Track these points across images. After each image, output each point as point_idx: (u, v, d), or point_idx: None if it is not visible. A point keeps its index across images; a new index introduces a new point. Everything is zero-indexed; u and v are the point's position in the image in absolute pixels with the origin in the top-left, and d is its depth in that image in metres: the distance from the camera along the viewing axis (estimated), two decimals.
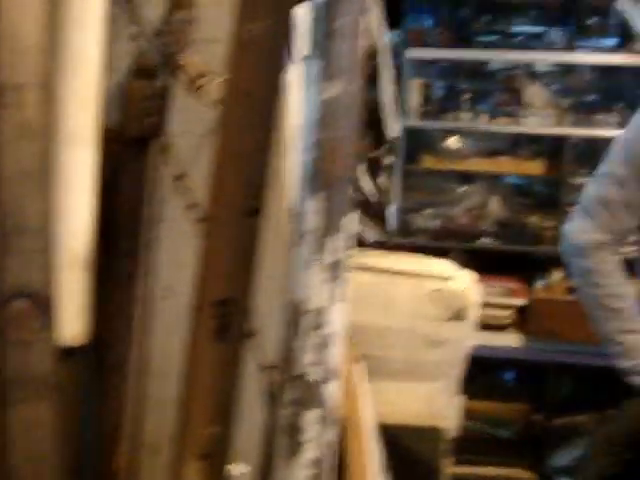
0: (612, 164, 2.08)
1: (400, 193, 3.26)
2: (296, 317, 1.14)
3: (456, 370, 1.96)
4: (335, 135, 1.11)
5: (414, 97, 3.27)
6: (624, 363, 2.07)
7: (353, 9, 1.12)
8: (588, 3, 3.27)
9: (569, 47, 3.26)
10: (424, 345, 1.89)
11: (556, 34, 3.28)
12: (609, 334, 2.08)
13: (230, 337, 1.21)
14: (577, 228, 2.12)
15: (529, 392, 3.30)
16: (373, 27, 1.93)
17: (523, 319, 3.13)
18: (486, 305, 3.08)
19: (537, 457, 3.17)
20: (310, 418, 1.16)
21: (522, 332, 3.11)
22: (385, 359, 1.89)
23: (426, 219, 3.28)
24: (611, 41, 3.29)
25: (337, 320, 1.15)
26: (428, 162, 3.34)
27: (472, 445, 3.16)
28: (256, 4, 1.20)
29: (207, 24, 1.35)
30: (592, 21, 3.28)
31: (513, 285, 3.21)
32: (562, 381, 3.26)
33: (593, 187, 2.12)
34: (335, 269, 1.14)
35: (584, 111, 3.26)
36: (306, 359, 1.14)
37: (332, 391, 1.17)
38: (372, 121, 3.22)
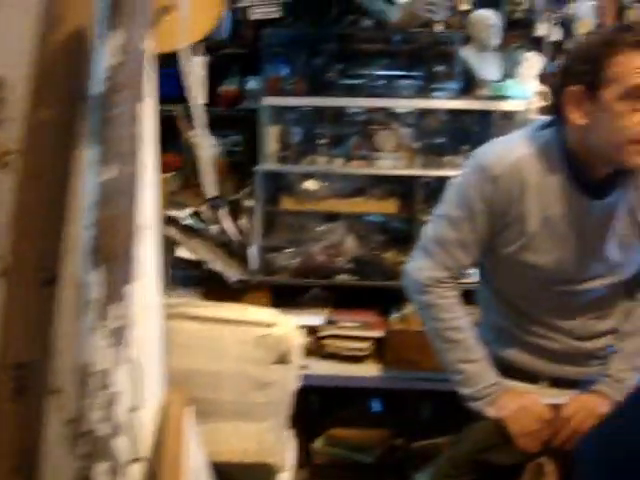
0: (447, 206, 2.24)
1: (261, 233, 3.39)
2: (84, 378, 1.25)
3: (283, 409, 2.08)
4: (113, 213, 1.23)
5: (272, 142, 3.42)
6: (465, 390, 2.21)
7: (130, 98, 1.25)
8: (436, 51, 3.47)
9: (419, 93, 3.45)
10: (252, 388, 2.01)
11: (407, 81, 3.47)
12: (450, 364, 2.23)
13: (29, 397, 1.32)
14: (417, 266, 2.27)
15: (390, 418, 3.44)
16: (192, 90, 2.03)
17: (381, 350, 3.25)
18: (346, 338, 3.25)
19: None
20: (100, 470, 1.27)
21: (381, 362, 3.23)
22: (216, 402, 2.00)
23: (287, 258, 3.39)
24: (457, 87, 3.49)
25: (123, 380, 1.27)
26: (288, 203, 3.47)
27: (336, 471, 3.31)
28: (46, 92, 1.31)
29: (14, 103, 1.44)
30: (440, 68, 3.48)
31: (370, 318, 3.33)
32: (421, 407, 3.41)
33: (431, 228, 2.27)
34: (119, 334, 1.25)
35: (434, 153, 3.46)
36: (94, 416, 1.26)
37: (121, 444, 1.28)
38: (232, 165, 3.37)
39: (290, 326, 2.04)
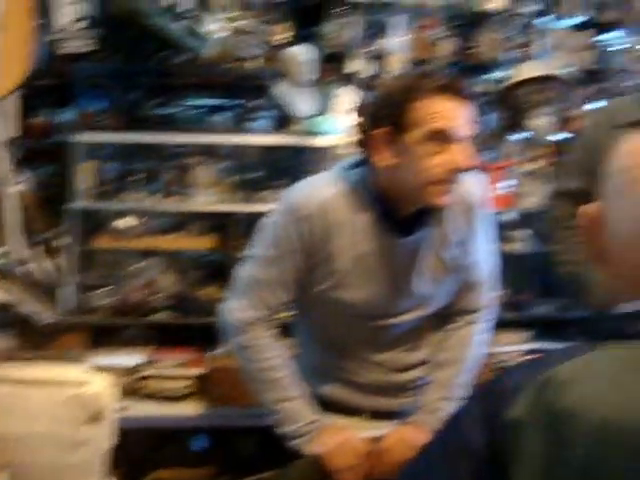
0: (259, 247, 2.24)
1: (76, 273, 3.29)
2: None
3: (99, 467, 2.03)
4: None
5: (87, 179, 3.34)
6: (285, 429, 2.22)
7: None
8: (251, 86, 3.48)
9: (234, 128, 3.46)
10: (66, 448, 1.95)
11: (222, 116, 3.47)
12: (269, 403, 2.23)
13: None
14: (233, 307, 2.26)
15: (215, 456, 3.39)
16: None
17: (203, 388, 3.21)
18: (165, 378, 3.19)
19: None
20: None
21: (203, 400, 3.19)
22: (31, 465, 1.93)
23: (104, 296, 3.32)
24: (272, 122, 3.52)
25: None
26: (104, 241, 3.40)
27: None
28: None
29: None
30: (255, 103, 3.50)
31: (190, 356, 3.29)
32: (246, 443, 3.39)
33: (244, 269, 2.27)
34: None
35: (250, 188, 3.47)
36: None
37: None
38: (45, 199, 3.27)
39: (102, 384, 2.00)
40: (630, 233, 1.07)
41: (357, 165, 2.19)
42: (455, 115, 2.01)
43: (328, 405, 2.30)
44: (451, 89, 2.01)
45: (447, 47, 3.88)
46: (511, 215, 3.73)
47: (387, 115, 2.03)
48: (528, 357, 1.28)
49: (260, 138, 3.47)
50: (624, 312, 1.09)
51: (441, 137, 2.00)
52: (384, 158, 2.05)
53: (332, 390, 2.34)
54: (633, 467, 0.96)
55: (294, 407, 2.21)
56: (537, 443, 0.99)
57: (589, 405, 0.98)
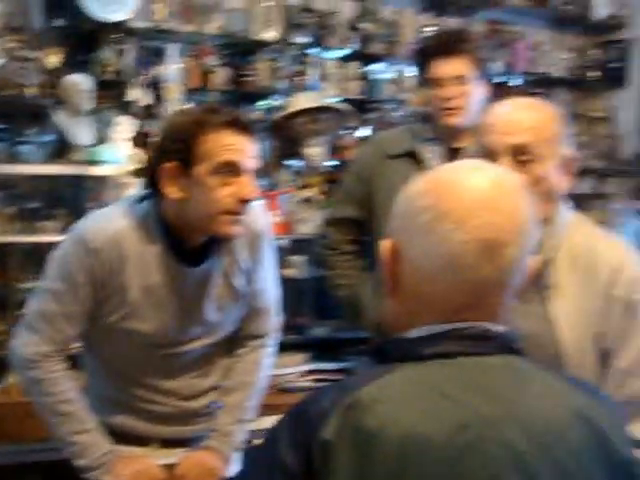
0: (49, 280, 2.20)
1: None
2: None
3: None
4: None
5: None
6: (81, 461, 2.19)
7: None
8: (28, 114, 3.39)
9: (10, 158, 3.35)
10: None
11: None
12: (64, 436, 2.19)
13: None
14: (23, 342, 2.20)
15: None
16: None
17: None
18: None
19: None
20: None
21: None
22: None
23: None
24: (50, 151, 3.44)
25: None
26: None
27: None
28: None
29: None
30: (32, 132, 3.41)
31: None
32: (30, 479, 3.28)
33: (34, 302, 2.22)
34: None
35: (28, 218, 3.36)
36: None
37: None
38: None
39: None
40: (431, 268, 1.17)
41: (146, 197, 2.21)
42: (242, 148, 2.08)
43: (118, 435, 2.30)
44: (237, 124, 2.08)
45: (221, 75, 3.95)
46: (286, 241, 3.83)
47: (175, 149, 2.06)
48: (336, 379, 1.35)
49: (38, 167, 3.37)
50: (415, 336, 1.19)
51: (229, 169, 2.06)
52: (173, 191, 2.08)
53: (123, 420, 2.33)
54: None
55: (89, 439, 2.19)
56: (346, 462, 1.07)
57: (389, 425, 1.08)
